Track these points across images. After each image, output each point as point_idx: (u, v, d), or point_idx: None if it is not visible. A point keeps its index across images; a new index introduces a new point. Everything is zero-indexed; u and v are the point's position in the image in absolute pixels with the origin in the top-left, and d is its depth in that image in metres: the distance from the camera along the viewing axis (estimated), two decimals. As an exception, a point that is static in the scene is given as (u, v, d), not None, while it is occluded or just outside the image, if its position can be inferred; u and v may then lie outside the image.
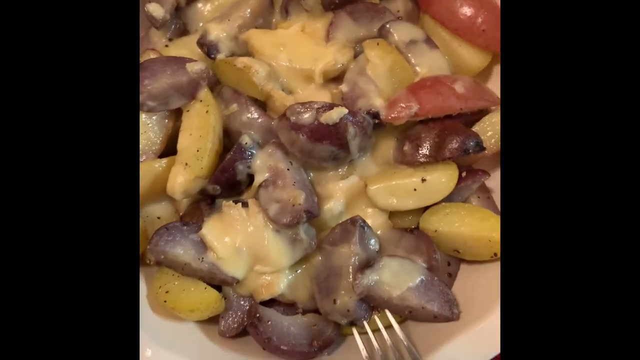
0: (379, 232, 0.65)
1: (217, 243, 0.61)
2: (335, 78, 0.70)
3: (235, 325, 0.62)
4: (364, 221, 0.62)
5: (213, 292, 0.61)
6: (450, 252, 0.64)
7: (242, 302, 0.63)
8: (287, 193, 0.62)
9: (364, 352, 0.58)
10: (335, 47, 0.69)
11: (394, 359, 0.58)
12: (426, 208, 0.65)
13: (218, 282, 0.62)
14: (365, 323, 0.60)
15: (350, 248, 0.61)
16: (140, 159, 0.66)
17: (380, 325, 0.60)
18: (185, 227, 0.62)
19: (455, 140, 0.62)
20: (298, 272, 0.64)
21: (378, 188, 0.64)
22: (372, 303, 0.61)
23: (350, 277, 0.60)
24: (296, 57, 0.69)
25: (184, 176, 0.63)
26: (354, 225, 0.62)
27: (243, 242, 0.62)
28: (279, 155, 0.64)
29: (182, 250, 0.60)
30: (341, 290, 0.60)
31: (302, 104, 0.63)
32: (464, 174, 0.65)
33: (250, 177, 0.65)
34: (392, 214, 0.66)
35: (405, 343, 0.58)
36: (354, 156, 0.65)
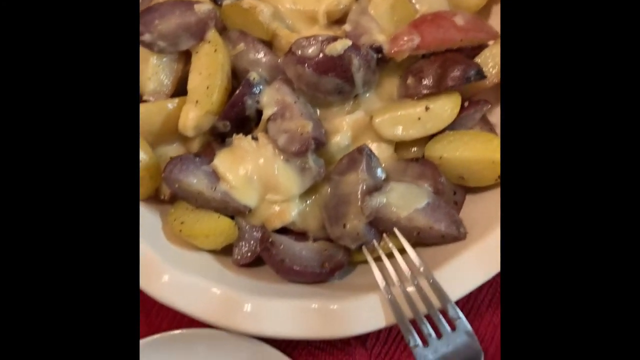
0: (384, 165, 0.67)
1: (229, 173, 0.63)
2: (338, 20, 0.72)
3: (249, 253, 0.64)
4: (370, 150, 0.64)
5: (226, 219, 0.63)
6: (456, 180, 0.66)
7: (254, 232, 0.65)
8: (295, 123, 0.64)
9: (377, 272, 0.59)
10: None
11: (406, 279, 0.59)
12: (430, 138, 0.67)
13: (231, 212, 0.64)
14: (375, 243, 0.62)
15: (358, 175, 0.63)
16: (151, 100, 0.68)
17: (393, 248, 0.62)
18: (197, 159, 0.64)
19: (456, 69, 0.64)
20: (308, 202, 0.66)
21: (383, 119, 0.66)
22: (380, 226, 0.62)
23: (359, 201, 0.62)
24: (298, 3, 0.71)
25: (195, 112, 0.65)
26: (360, 154, 0.64)
27: (254, 171, 0.64)
28: (286, 90, 0.66)
29: (195, 180, 0.62)
30: (350, 215, 0.62)
31: (307, 37, 0.65)
32: (466, 104, 0.67)
33: (259, 116, 0.67)
34: (398, 147, 0.68)
35: (416, 262, 0.59)
36: (359, 90, 0.67)
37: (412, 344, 0.55)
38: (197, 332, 0.64)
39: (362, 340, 0.67)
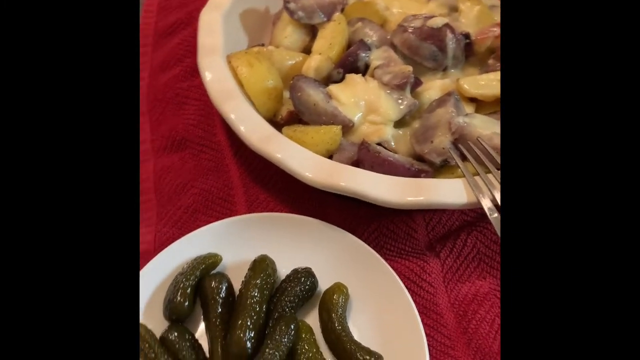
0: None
1: (340, 94, 0.78)
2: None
3: (346, 159, 0.75)
4: (457, 94, 0.78)
5: (331, 128, 0.75)
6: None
7: (352, 146, 0.76)
8: (398, 68, 0.80)
9: (467, 175, 0.68)
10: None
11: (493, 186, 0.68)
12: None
13: (338, 123, 0.77)
14: (457, 159, 0.72)
15: (447, 109, 0.76)
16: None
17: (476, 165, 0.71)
18: (316, 81, 0.79)
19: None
20: (400, 132, 0.78)
21: (467, 80, 0.81)
22: (464, 144, 0.73)
23: (446, 126, 0.74)
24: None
25: (316, 59, 0.83)
26: (449, 95, 0.78)
27: (361, 96, 0.78)
28: (391, 52, 0.84)
29: (313, 92, 0.77)
30: (438, 133, 0.74)
31: (413, 15, 0.85)
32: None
33: (367, 70, 0.84)
34: (478, 108, 0.82)
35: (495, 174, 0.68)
36: (449, 62, 0.84)
37: (493, 215, 0.62)
38: (295, 218, 0.73)
39: (436, 252, 0.73)
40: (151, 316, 0.67)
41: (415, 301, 0.66)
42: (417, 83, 0.79)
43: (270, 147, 0.71)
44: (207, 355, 0.65)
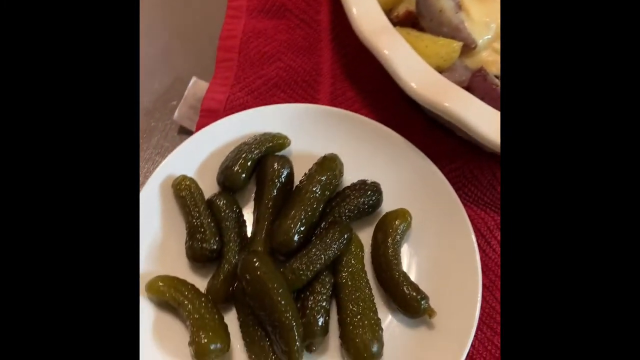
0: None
1: (472, 9, 0.68)
2: None
3: (454, 82, 0.66)
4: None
5: (448, 42, 0.66)
6: None
7: (465, 70, 0.67)
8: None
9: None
10: None
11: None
12: None
13: (459, 39, 0.67)
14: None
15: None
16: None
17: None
18: (449, -13, 0.69)
19: None
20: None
21: None
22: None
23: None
24: None
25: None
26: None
27: (495, 19, 0.68)
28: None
29: (443, -3, 0.67)
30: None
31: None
32: None
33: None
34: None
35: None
36: None
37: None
38: (378, 126, 0.66)
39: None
40: (203, 178, 0.63)
41: (480, 257, 0.60)
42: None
43: (381, 41, 0.63)
44: (249, 234, 0.61)
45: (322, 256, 0.56)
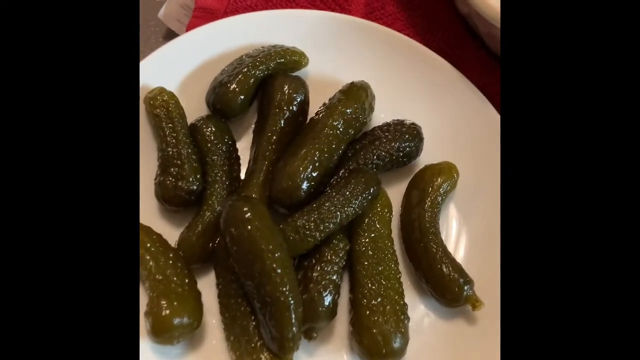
0: None
1: None
2: None
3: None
4: None
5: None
6: None
7: None
8: None
9: None
10: None
11: None
12: None
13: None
14: None
15: None
16: None
17: None
18: None
19: None
20: None
21: None
22: None
23: None
24: None
25: None
26: None
27: None
28: None
29: None
30: None
31: None
32: None
33: None
34: None
35: None
36: None
37: None
38: (423, 50, 0.50)
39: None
40: (188, 95, 0.48)
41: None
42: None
43: None
44: (243, 176, 0.46)
45: (338, 213, 0.41)
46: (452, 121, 0.50)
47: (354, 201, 0.42)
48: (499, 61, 0.54)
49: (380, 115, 0.50)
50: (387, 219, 0.45)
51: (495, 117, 0.49)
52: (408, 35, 0.54)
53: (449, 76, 0.50)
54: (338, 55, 0.51)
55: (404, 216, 0.47)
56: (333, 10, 0.54)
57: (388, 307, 0.42)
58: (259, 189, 0.44)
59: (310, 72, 0.51)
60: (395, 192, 0.48)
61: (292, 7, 0.53)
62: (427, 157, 0.49)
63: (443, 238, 0.46)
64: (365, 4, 0.56)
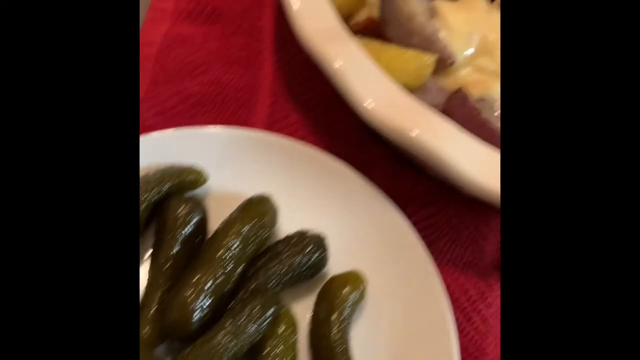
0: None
1: (450, 16, 0.53)
2: None
3: (435, 103, 0.51)
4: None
5: (419, 56, 0.51)
6: None
7: (439, 91, 0.52)
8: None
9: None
10: None
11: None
12: None
13: (433, 52, 0.52)
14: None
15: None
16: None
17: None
18: (423, -10, 0.55)
19: None
20: (512, 97, 0.54)
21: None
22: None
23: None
24: None
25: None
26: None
27: (478, 28, 0.54)
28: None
29: (415, 1, 0.53)
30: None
31: None
32: None
33: None
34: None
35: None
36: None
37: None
38: (326, 160, 0.50)
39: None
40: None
41: (458, 340, 0.44)
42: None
43: (331, 50, 0.47)
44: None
45: (231, 344, 0.39)
46: (357, 228, 0.49)
47: (250, 327, 0.40)
48: (405, 165, 0.55)
49: (284, 228, 0.49)
50: (291, 342, 0.43)
51: (400, 220, 0.49)
52: (312, 142, 0.54)
53: (352, 183, 0.50)
54: (240, 169, 0.50)
55: (313, 333, 0.45)
56: (237, 124, 0.55)
57: None
58: (152, 323, 0.41)
59: (212, 189, 0.50)
60: (304, 308, 0.46)
61: (195, 123, 0.53)
62: (335, 267, 0.48)
63: (355, 352, 0.44)
64: (268, 114, 0.56)
